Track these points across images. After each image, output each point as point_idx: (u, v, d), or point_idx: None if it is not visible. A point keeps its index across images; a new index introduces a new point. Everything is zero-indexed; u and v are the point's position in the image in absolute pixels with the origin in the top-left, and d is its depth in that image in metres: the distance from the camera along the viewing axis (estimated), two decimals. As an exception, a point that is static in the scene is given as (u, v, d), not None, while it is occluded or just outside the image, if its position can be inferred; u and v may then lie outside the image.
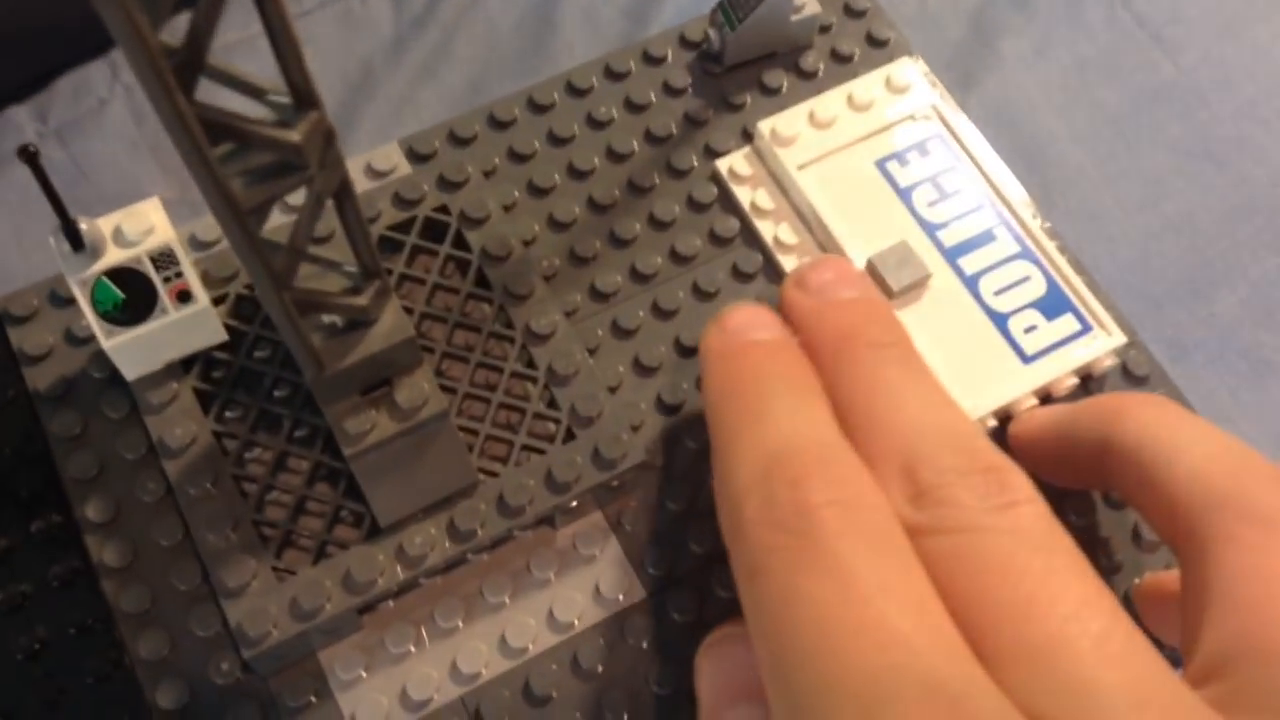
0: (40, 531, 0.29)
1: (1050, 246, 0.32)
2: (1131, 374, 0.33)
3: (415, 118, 0.58)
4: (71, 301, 0.31)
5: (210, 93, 0.20)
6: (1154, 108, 0.56)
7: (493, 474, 0.29)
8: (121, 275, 0.28)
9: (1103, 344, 0.31)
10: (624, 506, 0.30)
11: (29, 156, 0.25)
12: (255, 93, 0.21)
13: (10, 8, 0.53)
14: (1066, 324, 0.31)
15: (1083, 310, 0.31)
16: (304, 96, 0.21)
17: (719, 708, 0.24)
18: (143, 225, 0.28)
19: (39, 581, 0.29)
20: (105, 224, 0.28)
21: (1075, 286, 0.32)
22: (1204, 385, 0.50)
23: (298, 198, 0.27)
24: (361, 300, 0.26)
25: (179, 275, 0.28)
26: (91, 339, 0.30)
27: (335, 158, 0.22)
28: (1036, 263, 0.32)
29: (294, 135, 0.21)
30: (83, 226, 0.27)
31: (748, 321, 0.25)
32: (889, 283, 0.30)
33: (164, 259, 0.28)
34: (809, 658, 0.19)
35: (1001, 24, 0.60)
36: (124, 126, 0.54)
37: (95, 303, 0.27)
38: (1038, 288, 0.32)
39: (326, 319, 0.27)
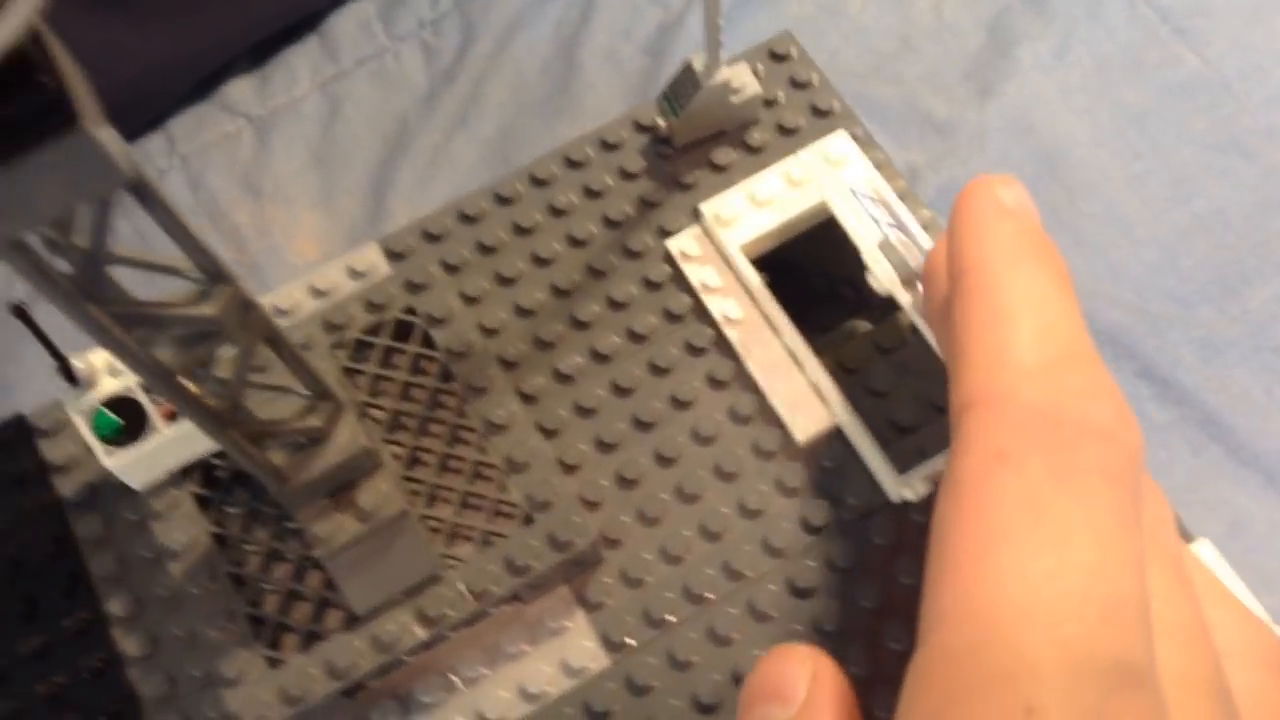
0: (71, 627, 0.33)
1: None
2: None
3: (451, 168, 0.61)
4: (92, 415, 0.35)
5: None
6: (1179, 103, 0.55)
7: (459, 560, 0.32)
8: (116, 402, 0.31)
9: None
10: (588, 579, 0.32)
11: (19, 312, 0.29)
12: (171, 271, 0.24)
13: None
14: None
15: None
16: (214, 274, 0.24)
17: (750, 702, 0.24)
18: (133, 355, 0.31)
19: (72, 672, 0.32)
20: (98, 356, 0.31)
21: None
22: (1238, 384, 0.49)
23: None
24: (316, 420, 0.29)
25: (168, 397, 0.31)
26: (110, 449, 0.34)
27: (257, 320, 0.25)
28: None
29: (208, 309, 0.24)
30: (77, 365, 0.30)
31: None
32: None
33: (154, 383, 0.31)
34: None
35: (1019, 29, 0.59)
36: (181, 195, 0.58)
37: (95, 429, 0.31)
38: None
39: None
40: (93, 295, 0.21)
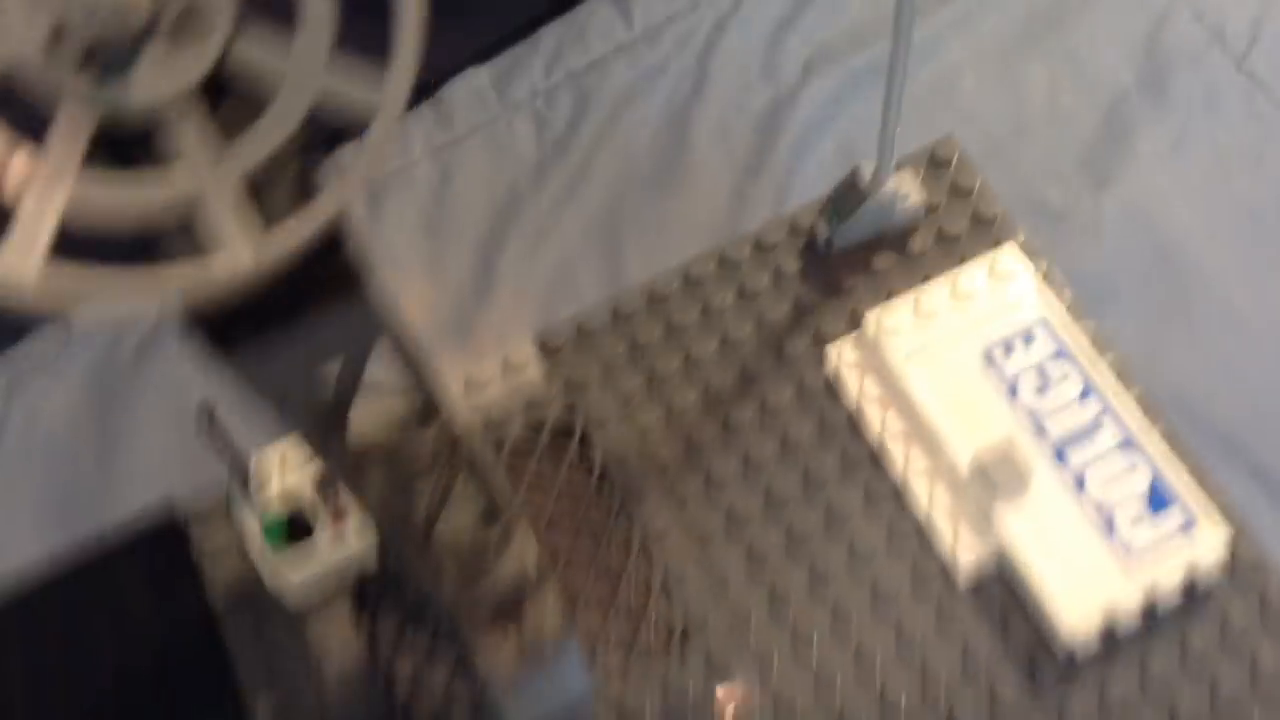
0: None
1: (1155, 435, 0.33)
2: (1240, 561, 0.33)
3: (558, 241, 0.61)
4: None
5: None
6: (1298, 200, 0.55)
7: (614, 680, 0.31)
8: (284, 503, 0.31)
9: (1208, 541, 0.32)
10: (737, 700, 0.32)
11: (208, 415, 0.29)
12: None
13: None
14: (1172, 517, 0.32)
15: (1189, 502, 0.32)
16: (432, 406, 0.24)
17: None
18: (305, 454, 0.31)
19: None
20: (271, 457, 0.31)
21: (1181, 477, 0.32)
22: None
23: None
24: (490, 539, 0.29)
25: (337, 496, 0.32)
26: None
27: (461, 453, 0.25)
28: (1142, 452, 0.33)
29: (425, 440, 0.24)
30: (251, 467, 0.31)
31: None
32: (993, 484, 0.32)
33: (323, 482, 0.32)
34: None
35: (1136, 118, 0.59)
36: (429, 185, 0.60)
37: (265, 533, 0.31)
38: (1143, 479, 0.32)
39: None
40: (336, 432, 0.22)
